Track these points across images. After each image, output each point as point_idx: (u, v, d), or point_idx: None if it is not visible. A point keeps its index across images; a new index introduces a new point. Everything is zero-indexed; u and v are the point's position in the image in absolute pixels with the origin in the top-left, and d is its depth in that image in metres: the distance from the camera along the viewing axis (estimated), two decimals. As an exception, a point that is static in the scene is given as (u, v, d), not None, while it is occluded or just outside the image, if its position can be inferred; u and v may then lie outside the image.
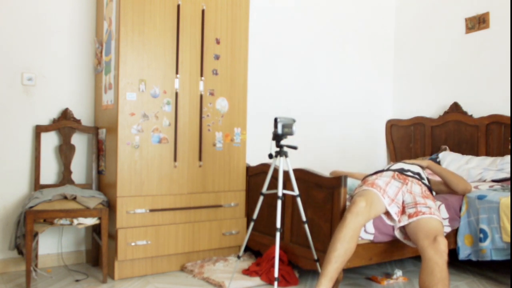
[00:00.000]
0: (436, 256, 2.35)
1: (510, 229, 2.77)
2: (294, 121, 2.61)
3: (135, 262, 2.95)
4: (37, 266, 2.99)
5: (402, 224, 2.65)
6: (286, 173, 2.69)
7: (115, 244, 2.84)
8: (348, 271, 3.01)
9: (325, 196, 2.76)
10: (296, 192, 2.65)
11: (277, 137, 2.59)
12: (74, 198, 2.78)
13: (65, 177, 3.11)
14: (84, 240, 3.28)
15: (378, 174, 2.96)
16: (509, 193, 2.92)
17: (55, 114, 3.16)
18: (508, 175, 3.40)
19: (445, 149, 4.05)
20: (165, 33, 3.00)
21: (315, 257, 2.68)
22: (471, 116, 3.97)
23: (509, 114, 3.71)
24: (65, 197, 2.79)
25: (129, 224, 2.88)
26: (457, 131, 4.07)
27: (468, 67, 4.09)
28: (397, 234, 2.72)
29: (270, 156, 2.62)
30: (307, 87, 4.26)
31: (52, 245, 3.15)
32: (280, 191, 2.51)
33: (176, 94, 3.06)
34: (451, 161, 3.73)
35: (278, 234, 2.46)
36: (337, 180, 2.67)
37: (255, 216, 2.70)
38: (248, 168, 3.41)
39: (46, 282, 2.81)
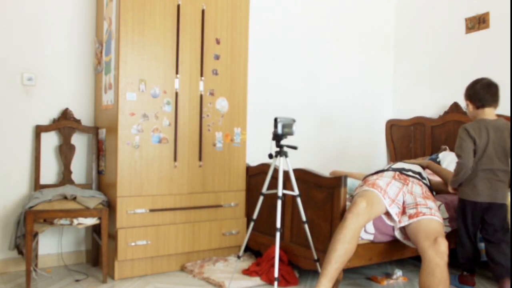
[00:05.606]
0: (437, 257, 2.34)
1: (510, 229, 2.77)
2: (294, 121, 2.61)
3: (135, 262, 2.95)
4: (37, 266, 2.99)
5: (402, 224, 2.65)
6: (286, 173, 2.69)
7: (115, 244, 2.84)
8: (348, 271, 3.01)
9: (325, 196, 2.76)
10: (296, 192, 2.65)
11: (277, 137, 2.58)
12: (74, 198, 2.78)
13: (65, 177, 3.11)
14: (84, 240, 3.28)
15: (379, 174, 2.95)
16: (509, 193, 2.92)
17: (55, 114, 3.16)
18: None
19: (445, 149, 4.04)
20: (165, 33, 3.00)
21: (315, 257, 2.68)
22: (471, 116, 3.96)
23: (509, 114, 3.70)
24: (65, 197, 2.79)
25: (129, 224, 2.88)
26: (457, 131, 4.05)
27: (468, 67, 4.09)
28: (397, 234, 2.72)
29: (270, 156, 2.62)
30: (307, 87, 4.25)
31: (52, 245, 3.15)
32: (280, 191, 2.51)
33: (176, 94, 3.06)
34: (451, 161, 3.72)
35: (278, 234, 2.46)
36: (337, 180, 2.67)
37: (255, 216, 2.70)
38: (248, 168, 3.40)
39: (46, 282, 2.81)
